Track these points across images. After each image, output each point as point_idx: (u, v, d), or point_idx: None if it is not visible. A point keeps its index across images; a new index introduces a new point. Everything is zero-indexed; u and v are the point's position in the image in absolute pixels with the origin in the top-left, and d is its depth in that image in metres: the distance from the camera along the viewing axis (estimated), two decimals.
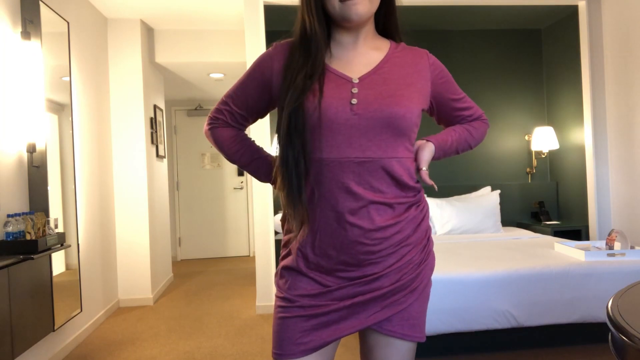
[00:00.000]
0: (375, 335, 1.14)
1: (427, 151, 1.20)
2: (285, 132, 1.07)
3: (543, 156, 4.81)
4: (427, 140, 1.22)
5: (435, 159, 1.23)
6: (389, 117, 1.07)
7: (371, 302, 1.10)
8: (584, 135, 4.18)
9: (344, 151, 1.07)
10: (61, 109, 3.11)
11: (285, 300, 1.13)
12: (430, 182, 1.17)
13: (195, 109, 6.71)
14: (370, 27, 1.18)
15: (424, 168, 1.18)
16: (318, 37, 1.11)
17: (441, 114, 1.27)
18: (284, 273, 1.16)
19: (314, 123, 1.07)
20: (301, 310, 1.11)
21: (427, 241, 1.18)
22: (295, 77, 1.09)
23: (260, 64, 1.19)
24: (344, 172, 1.07)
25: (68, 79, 3.20)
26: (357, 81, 1.10)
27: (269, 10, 3.85)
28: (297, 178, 1.07)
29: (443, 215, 4.17)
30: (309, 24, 1.12)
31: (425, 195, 1.24)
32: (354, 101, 1.07)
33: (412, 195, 1.15)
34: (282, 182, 1.09)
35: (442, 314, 2.59)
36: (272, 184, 1.19)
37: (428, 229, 1.20)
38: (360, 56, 1.15)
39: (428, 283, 1.17)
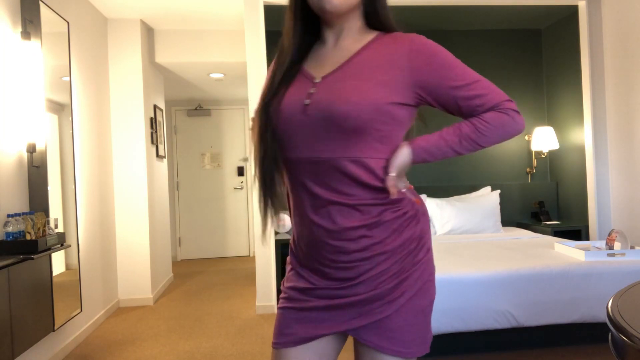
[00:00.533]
0: (359, 343, 1.13)
1: (399, 155, 1.08)
2: (256, 133, 1.13)
3: (543, 156, 4.81)
4: (409, 143, 1.11)
5: (419, 162, 1.10)
6: (331, 116, 1.04)
7: (348, 307, 1.10)
8: (584, 135, 4.18)
9: (301, 152, 1.09)
10: (61, 109, 3.11)
11: (283, 292, 1.20)
12: (391, 189, 1.06)
13: (195, 109, 6.71)
14: (354, 23, 1.15)
15: (392, 173, 1.07)
16: (289, 36, 1.15)
17: (446, 105, 1.10)
18: (286, 267, 1.23)
19: (275, 124, 1.11)
20: (290, 302, 1.16)
21: (415, 250, 1.10)
22: (267, 80, 1.16)
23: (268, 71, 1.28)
24: (303, 172, 1.10)
25: (68, 79, 3.20)
26: (318, 80, 1.10)
27: (269, 10, 3.85)
28: (263, 176, 1.13)
29: (443, 215, 4.17)
30: (285, 23, 1.17)
31: (418, 200, 1.14)
32: (307, 102, 1.08)
33: (382, 198, 1.08)
34: (255, 178, 1.16)
35: (442, 314, 2.59)
36: None
37: (416, 238, 1.10)
38: (337, 53, 1.14)
39: (415, 296, 1.08)
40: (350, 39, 1.14)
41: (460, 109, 1.10)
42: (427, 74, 1.07)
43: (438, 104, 1.11)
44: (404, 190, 1.10)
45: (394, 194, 1.07)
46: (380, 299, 1.08)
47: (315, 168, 1.09)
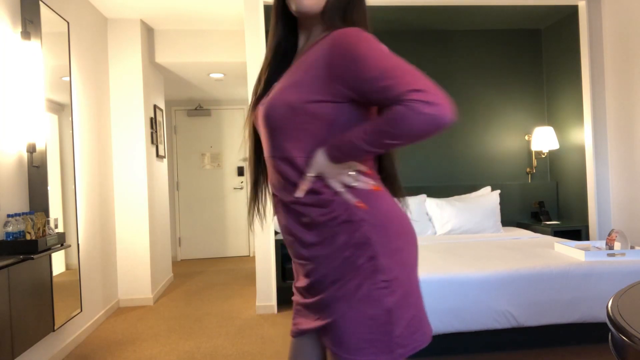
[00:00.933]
0: None
1: (316, 154, 1.08)
2: (246, 133, 1.28)
3: (543, 156, 4.81)
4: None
5: (337, 160, 1.07)
6: (262, 118, 1.12)
7: (310, 307, 1.15)
8: (584, 135, 4.18)
9: (264, 151, 1.19)
10: (61, 109, 3.11)
11: None
12: (299, 187, 1.09)
13: (195, 109, 6.71)
14: (319, 26, 1.16)
15: (309, 173, 1.08)
16: (271, 36, 1.22)
17: (366, 100, 1.04)
18: None
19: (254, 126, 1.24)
20: (294, 296, 1.24)
21: (352, 257, 1.06)
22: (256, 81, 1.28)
23: None
24: (268, 170, 1.20)
25: (68, 79, 3.20)
26: (275, 84, 1.17)
27: (269, 10, 3.83)
28: (251, 174, 1.28)
29: (443, 215, 4.17)
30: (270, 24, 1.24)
31: (361, 204, 1.08)
32: (261, 107, 1.16)
33: (307, 198, 1.09)
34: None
35: (442, 314, 2.59)
36: None
37: (352, 245, 1.06)
38: (296, 57, 1.19)
39: (360, 303, 1.05)
40: (310, 42, 1.18)
41: (376, 103, 1.03)
42: (342, 68, 1.02)
43: (361, 99, 1.04)
44: (340, 190, 1.08)
45: (298, 192, 1.09)
46: (325, 303, 1.10)
47: (269, 166, 1.17)
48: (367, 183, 1.10)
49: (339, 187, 1.08)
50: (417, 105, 0.93)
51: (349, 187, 1.08)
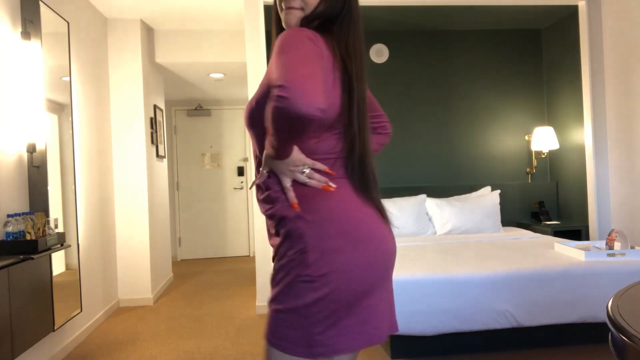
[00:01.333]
0: None
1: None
2: None
3: (543, 156, 4.81)
4: None
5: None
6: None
7: None
8: (584, 135, 4.18)
9: None
10: (61, 109, 3.11)
11: None
12: (251, 182, 1.21)
13: (195, 109, 6.71)
14: None
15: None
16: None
17: None
18: None
19: None
20: None
21: (289, 250, 1.11)
22: None
23: None
24: None
25: (68, 79, 3.20)
26: None
27: (269, 10, 3.85)
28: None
29: (443, 215, 4.16)
30: None
31: (295, 204, 1.12)
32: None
33: (260, 194, 1.19)
34: None
35: (442, 314, 2.59)
36: None
37: (290, 237, 1.11)
38: None
39: (284, 293, 1.10)
40: None
41: None
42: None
43: None
44: (286, 186, 1.13)
45: (251, 186, 1.21)
46: (271, 285, 1.19)
47: None
48: (320, 181, 1.13)
49: (287, 183, 1.13)
50: (275, 100, 0.96)
51: (302, 185, 1.13)
